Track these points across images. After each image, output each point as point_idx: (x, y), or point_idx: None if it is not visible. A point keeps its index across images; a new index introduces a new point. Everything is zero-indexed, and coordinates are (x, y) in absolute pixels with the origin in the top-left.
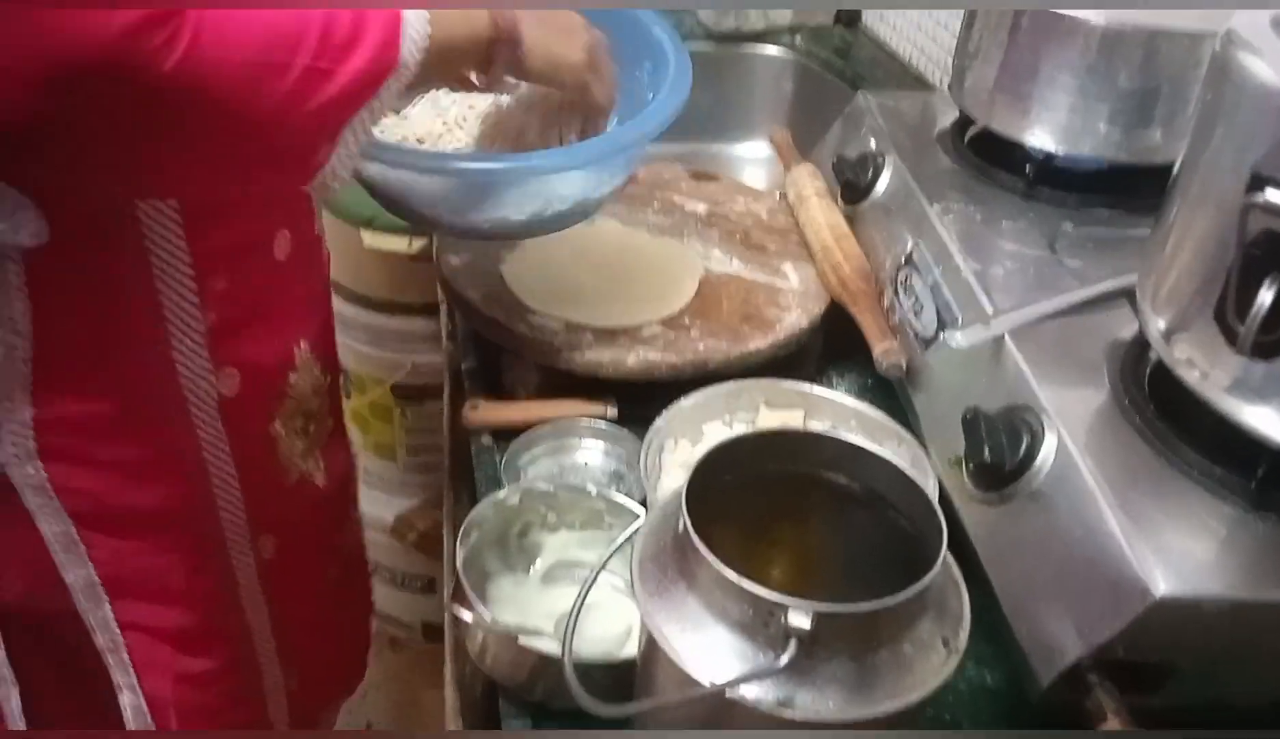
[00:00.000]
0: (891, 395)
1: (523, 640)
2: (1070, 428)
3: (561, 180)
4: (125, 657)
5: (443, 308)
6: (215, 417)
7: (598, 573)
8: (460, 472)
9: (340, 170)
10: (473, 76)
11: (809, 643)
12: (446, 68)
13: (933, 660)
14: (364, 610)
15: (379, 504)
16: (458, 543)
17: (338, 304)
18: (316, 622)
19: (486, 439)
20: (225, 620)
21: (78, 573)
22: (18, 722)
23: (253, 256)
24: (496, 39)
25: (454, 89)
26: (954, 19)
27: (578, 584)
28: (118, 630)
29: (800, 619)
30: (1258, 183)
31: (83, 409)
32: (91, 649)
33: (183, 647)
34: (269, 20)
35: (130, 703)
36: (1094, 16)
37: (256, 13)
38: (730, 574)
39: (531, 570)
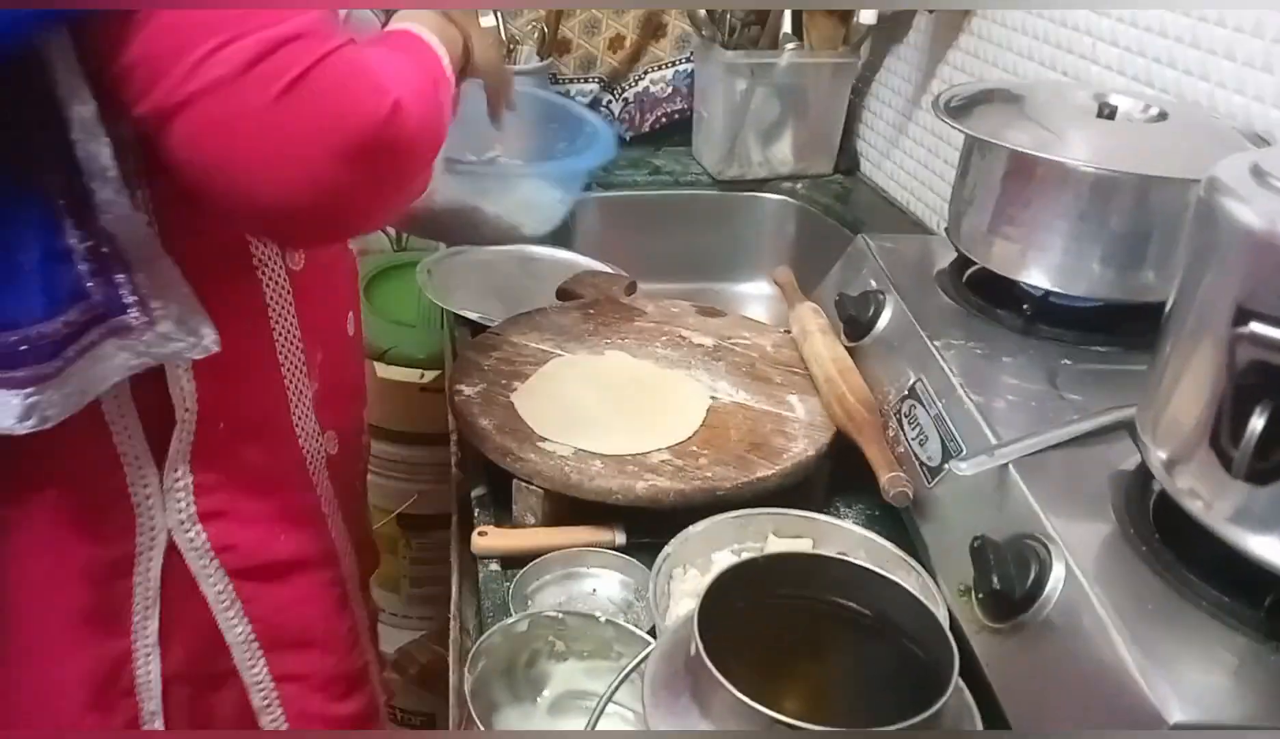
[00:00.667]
0: (899, 525)
1: (538, 733)
2: (1078, 556)
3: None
4: (279, 710)
5: (453, 437)
6: (325, 474)
7: (607, 700)
8: (466, 601)
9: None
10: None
11: None
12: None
13: None
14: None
15: (381, 638)
16: (465, 670)
17: None
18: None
19: (494, 566)
20: (360, 664)
21: (236, 631)
22: None
23: (338, 333)
24: (468, 48)
25: None
26: (948, 167)
27: (585, 715)
28: (271, 685)
29: None
30: (1243, 317)
31: (231, 475)
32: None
33: (331, 694)
34: (415, 66)
35: None
36: (1083, 165)
37: (402, 62)
38: (743, 698)
39: (539, 701)
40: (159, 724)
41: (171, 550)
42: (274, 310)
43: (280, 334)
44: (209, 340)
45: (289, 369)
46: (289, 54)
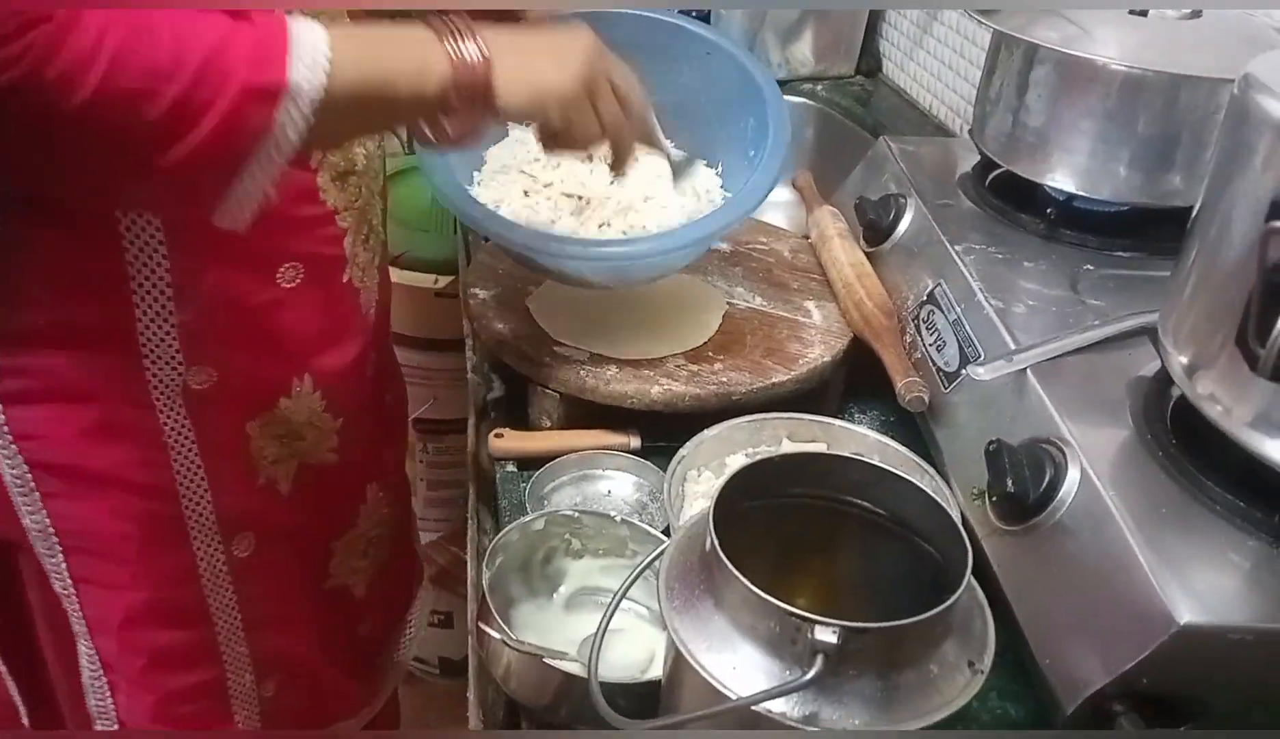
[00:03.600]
0: (914, 431)
1: (547, 661)
2: (1093, 460)
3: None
4: (78, 608)
5: (469, 341)
6: (179, 403)
7: (621, 595)
8: (483, 501)
9: (245, 208)
10: (445, 125)
11: (835, 660)
12: (389, 110)
13: (958, 681)
14: (375, 633)
15: None
16: (483, 565)
17: None
18: (304, 636)
19: (511, 468)
20: (180, 605)
21: (33, 518)
22: None
23: (244, 274)
24: (455, 82)
25: (425, 142)
26: (973, 68)
27: (600, 611)
28: (70, 582)
29: (827, 635)
30: (1277, 210)
31: (43, 361)
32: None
33: (130, 617)
34: (149, 44)
35: (85, 652)
36: (1114, 62)
37: (140, 34)
38: (757, 591)
39: (555, 596)
40: None
41: None
42: (129, 229)
43: (135, 244)
44: None
45: (142, 288)
46: None
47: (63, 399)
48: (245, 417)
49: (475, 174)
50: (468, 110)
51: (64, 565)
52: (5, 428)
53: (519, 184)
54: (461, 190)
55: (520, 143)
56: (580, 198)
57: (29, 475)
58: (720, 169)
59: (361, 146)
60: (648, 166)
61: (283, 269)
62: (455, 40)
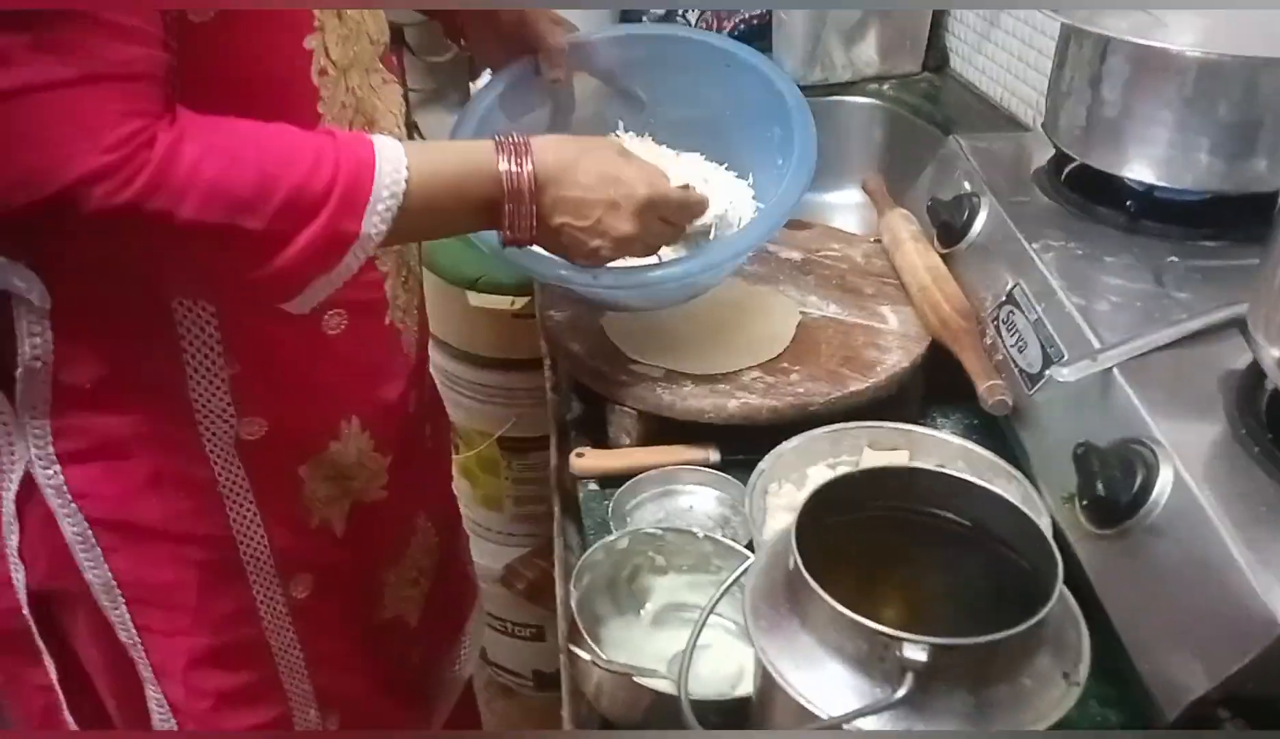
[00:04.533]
0: (998, 435)
1: (637, 679)
2: (1186, 459)
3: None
4: (144, 655)
5: (546, 361)
6: (232, 454)
7: (709, 612)
8: (568, 519)
9: (309, 305)
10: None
11: (925, 677)
12: (450, 230)
13: (1052, 694)
14: (430, 657)
15: (487, 554)
16: (571, 585)
17: (445, 361)
18: (363, 669)
19: (593, 486)
20: (242, 647)
21: (96, 573)
22: (55, 690)
23: (290, 325)
24: (498, 199)
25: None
26: (1044, 58)
27: (687, 626)
28: (135, 631)
29: (916, 652)
30: None
31: (97, 421)
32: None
33: (194, 661)
34: (238, 178)
35: (154, 697)
36: (1190, 50)
37: (231, 167)
38: (844, 610)
39: (641, 613)
40: (31, 626)
41: (31, 479)
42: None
43: (184, 305)
44: (38, 293)
45: (192, 346)
46: None
47: (118, 456)
48: (297, 461)
49: None
50: (525, 220)
51: (128, 616)
52: (65, 487)
53: None
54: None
55: None
56: None
57: (89, 532)
58: (751, 180)
59: None
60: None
61: (328, 317)
62: (510, 159)
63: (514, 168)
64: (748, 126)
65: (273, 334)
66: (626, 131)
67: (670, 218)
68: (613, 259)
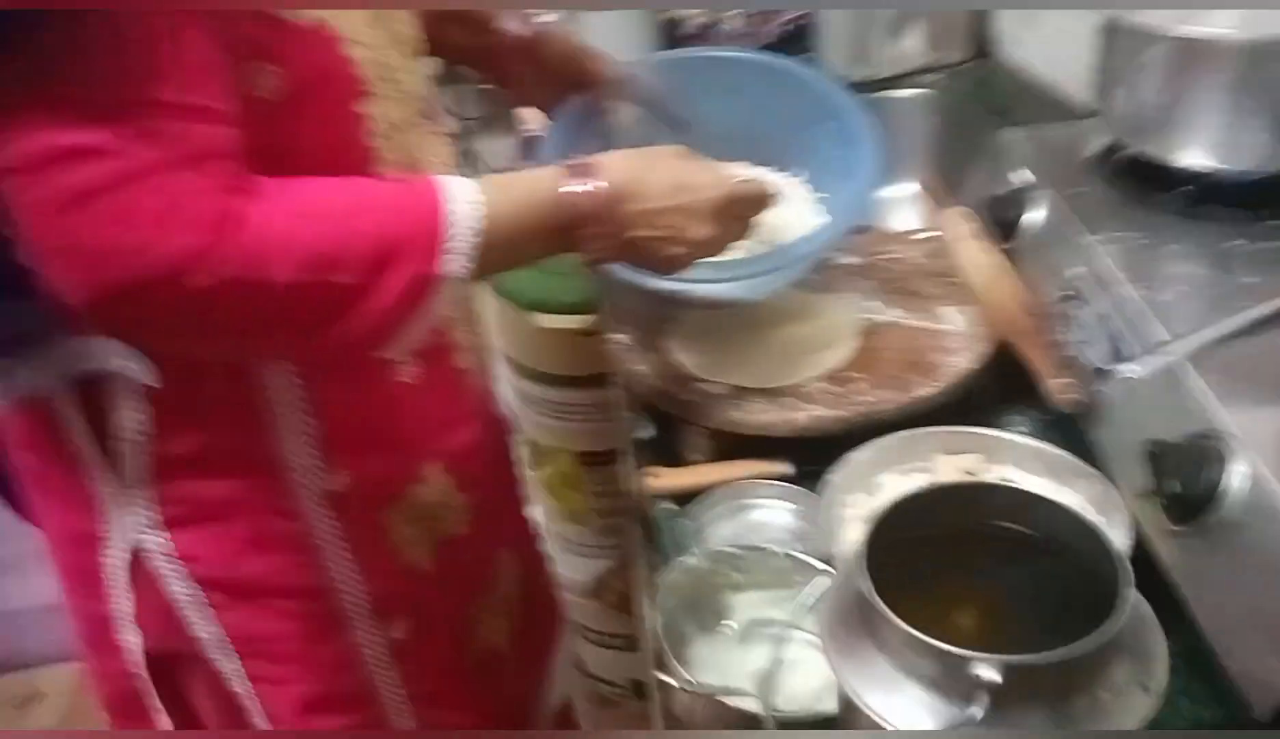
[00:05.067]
0: (1072, 433)
1: (724, 699)
2: (1262, 451)
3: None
4: (259, 706)
5: (618, 379)
6: (323, 507)
7: (789, 632)
8: (647, 539)
9: (401, 349)
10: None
11: (1001, 695)
12: (528, 258)
13: (1131, 705)
14: (523, 687)
15: (577, 568)
16: (653, 607)
17: (519, 381)
18: (463, 703)
19: (669, 505)
20: (349, 691)
21: (208, 630)
22: None
23: (368, 376)
24: (571, 225)
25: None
26: (1093, 37)
27: (773, 642)
28: (250, 683)
29: (989, 672)
30: None
31: (198, 487)
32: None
33: (306, 707)
34: (324, 236)
35: None
36: (1234, 34)
37: (316, 225)
38: (914, 632)
39: (727, 630)
40: (150, 686)
41: (139, 546)
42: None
43: (272, 376)
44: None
45: (281, 407)
46: (77, 168)
47: (219, 518)
48: (383, 507)
49: None
50: (603, 241)
51: (242, 669)
52: (174, 552)
53: None
54: None
55: None
56: None
57: (200, 592)
58: (807, 177)
59: None
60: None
61: (401, 366)
62: (580, 181)
63: (585, 188)
64: (796, 133)
65: (351, 388)
66: None
67: (744, 214)
68: (691, 263)
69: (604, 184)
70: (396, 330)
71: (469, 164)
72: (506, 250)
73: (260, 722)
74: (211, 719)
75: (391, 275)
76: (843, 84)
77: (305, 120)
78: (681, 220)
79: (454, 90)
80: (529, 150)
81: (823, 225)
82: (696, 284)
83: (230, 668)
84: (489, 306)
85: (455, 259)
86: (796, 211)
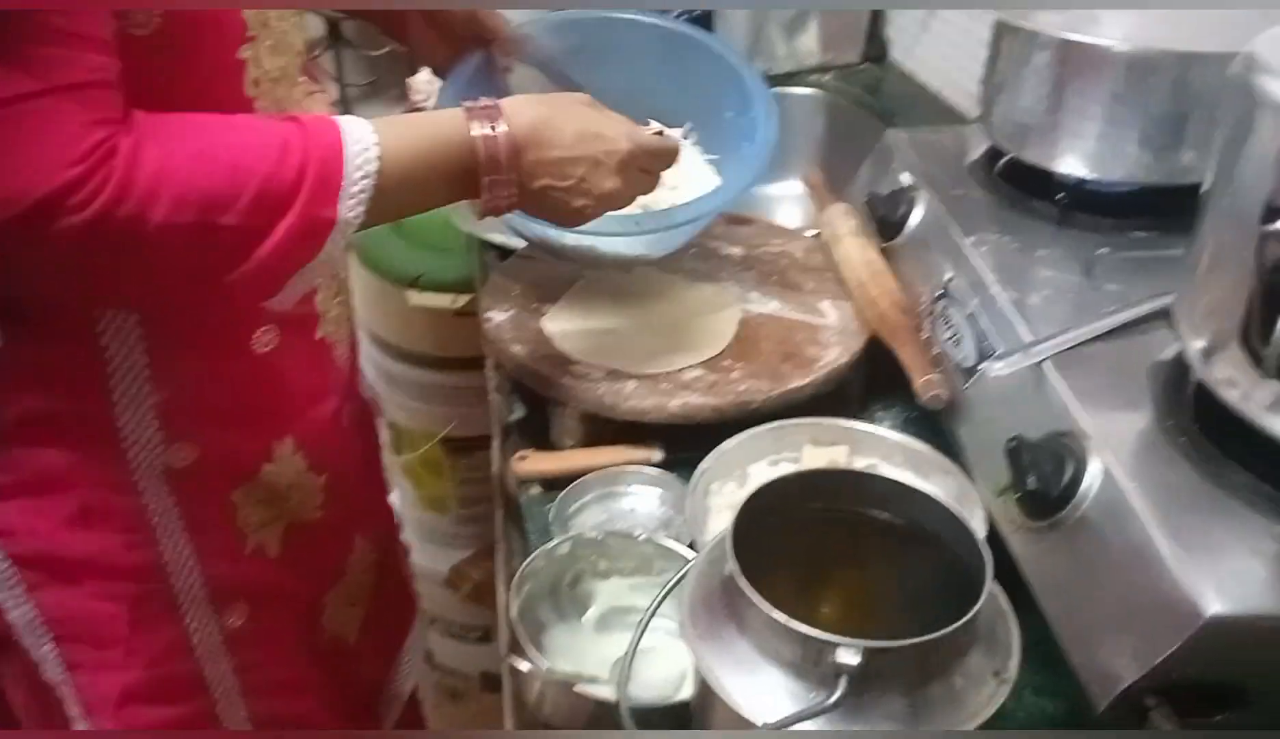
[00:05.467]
0: (936, 428)
1: (579, 688)
2: (1115, 452)
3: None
4: (73, 692)
5: (488, 362)
6: (161, 484)
7: (649, 618)
8: (511, 523)
9: (292, 298)
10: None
11: (860, 680)
12: (427, 203)
13: (984, 692)
14: (371, 676)
15: (433, 556)
16: (511, 594)
17: (386, 361)
18: (303, 693)
19: (536, 489)
20: (176, 680)
21: (19, 611)
22: None
23: (220, 343)
24: (474, 170)
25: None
26: (981, 47)
27: (631, 630)
28: (63, 669)
29: (850, 656)
30: (1271, 214)
31: (20, 455)
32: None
33: (127, 696)
34: (206, 175)
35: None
36: (1119, 44)
37: (197, 164)
38: (778, 615)
39: (585, 618)
40: None
41: None
42: (106, 319)
43: (110, 338)
44: None
45: (118, 374)
46: None
47: (41, 491)
48: (230, 487)
49: None
50: (505, 188)
51: (55, 653)
52: None
53: None
54: None
55: None
56: None
57: (12, 569)
58: (697, 139)
59: None
60: None
61: (258, 333)
62: (483, 124)
63: (488, 132)
64: (692, 95)
65: (200, 356)
66: None
67: (650, 167)
68: (597, 215)
69: (507, 129)
70: (283, 278)
71: None
72: (405, 194)
73: (73, 710)
74: (28, 712)
75: (283, 219)
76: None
77: (184, 61)
78: (587, 171)
79: (340, 54)
80: None
81: (719, 186)
82: (594, 237)
83: (42, 652)
84: (357, 280)
85: (351, 203)
86: (688, 172)
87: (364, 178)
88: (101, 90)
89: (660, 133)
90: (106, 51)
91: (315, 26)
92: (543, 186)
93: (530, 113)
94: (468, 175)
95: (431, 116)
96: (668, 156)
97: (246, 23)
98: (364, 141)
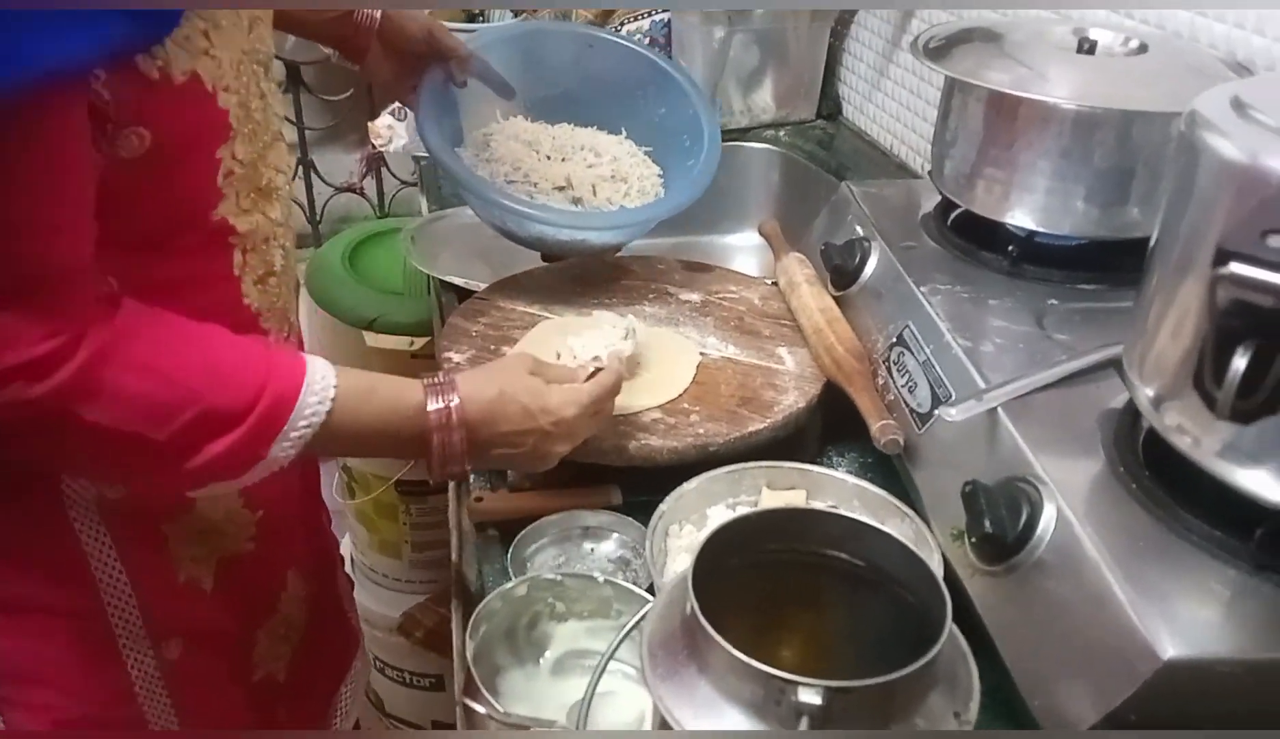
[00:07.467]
0: (892, 473)
1: (535, 732)
2: (1068, 497)
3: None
4: (5, 728)
5: None
6: (94, 516)
7: (607, 660)
8: (466, 567)
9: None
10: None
11: (821, 720)
12: (366, 451)
13: (946, 734)
14: (300, 716)
15: (385, 602)
16: (467, 636)
17: None
18: (235, 727)
19: (492, 532)
20: (114, 715)
21: None
22: None
23: None
24: (425, 440)
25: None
26: (930, 107)
27: (588, 674)
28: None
29: (811, 696)
30: (1223, 257)
31: None
32: None
33: (62, 729)
34: (150, 394)
35: None
36: (1065, 102)
37: (149, 381)
38: (739, 655)
39: (541, 662)
40: None
41: None
42: None
43: None
44: None
45: None
46: None
47: None
48: (162, 519)
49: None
50: (456, 463)
51: None
52: None
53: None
54: (449, 151)
55: (512, 138)
56: (563, 188)
57: None
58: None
59: (279, 246)
60: (613, 154)
61: None
62: (437, 400)
63: (440, 407)
64: (646, 111)
65: None
66: (504, 118)
67: (600, 409)
68: (553, 464)
69: (459, 404)
70: (197, 488)
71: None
72: (348, 446)
73: None
74: None
75: (214, 443)
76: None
77: (160, 172)
78: (537, 441)
79: (299, 98)
80: (371, 166)
81: (675, 192)
82: (549, 228)
83: None
84: (312, 319)
85: (285, 445)
86: (639, 183)
87: (307, 427)
88: (62, 288)
89: (600, 368)
90: (81, 235)
91: (275, 71)
92: (498, 454)
93: (484, 394)
94: (417, 442)
95: (393, 384)
96: (612, 392)
97: (230, 123)
98: (322, 394)
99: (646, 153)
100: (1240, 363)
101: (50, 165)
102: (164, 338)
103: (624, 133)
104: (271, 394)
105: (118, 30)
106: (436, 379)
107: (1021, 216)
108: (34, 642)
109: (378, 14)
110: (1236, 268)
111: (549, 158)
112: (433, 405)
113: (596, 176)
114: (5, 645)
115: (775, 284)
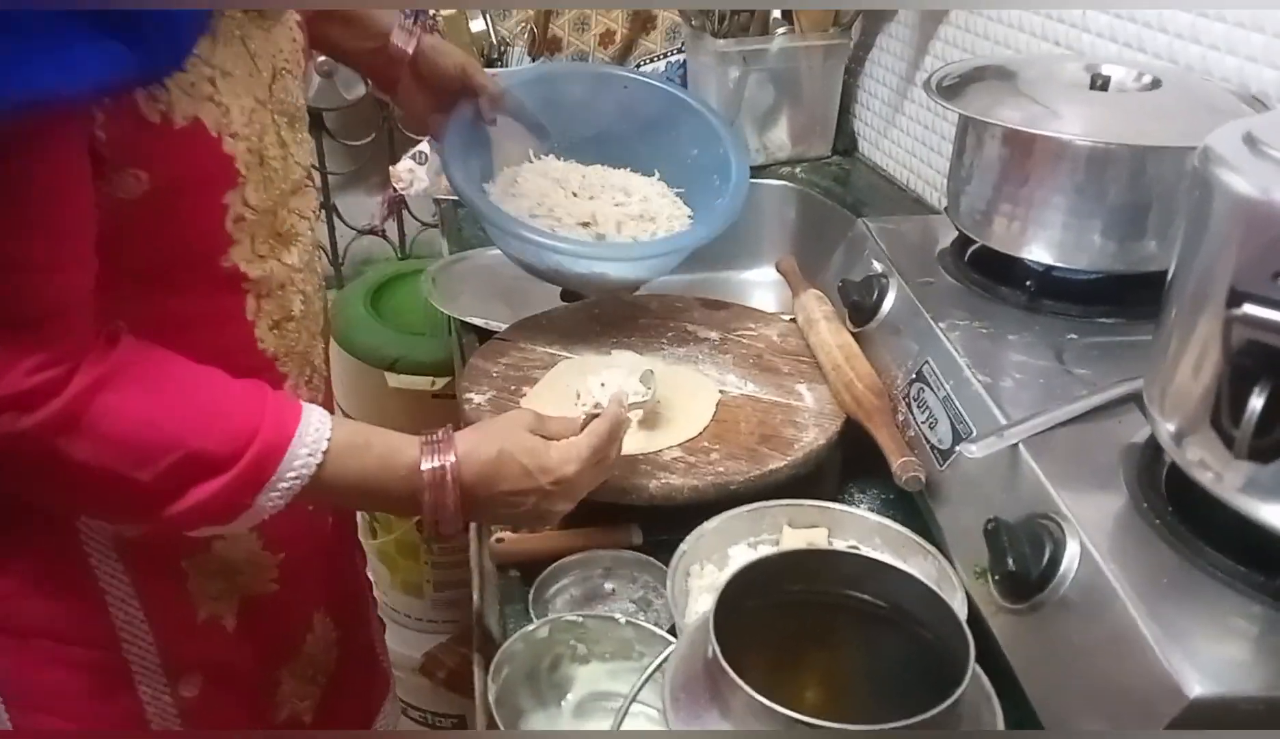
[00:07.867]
0: (914, 510)
1: (536, 732)
2: (1091, 534)
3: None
4: None
5: None
6: (111, 553)
7: (629, 703)
8: (488, 606)
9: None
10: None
11: None
12: (358, 504)
13: None
14: None
15: (407, 642)
16: (489, 679)
17: None
18: None
19: (514, 573)
20: None
21: None
22: None
23: None
24: (419, 499)
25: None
26: (944, 142)
27: (610, 716)
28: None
29: None
30: (1236, 298)
31: None
32: None
33: None
34: (139, 434)
35: None
36: (1079, 138)
37: (139, 420)
38: (762, 699)
39: (564, 704)
40: None
41: None
42: None
43: None
44: None
45: None
46: None
47: None
48: (180, 556)
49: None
50: (449, 524)
51: (5, 718)
52: None
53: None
54: (472, 183)
55: (540, 175)
56: (587, 224)
57: None
58: (682, 191)
59: (298, 292)
60: (643, 194)
61: None
62: (433, 459)
63: (436, 466)
64: (676, 149)
65: None
66: (537, 157)
67: (604, 458)
68: (556, 521)
69: (455, 463)
70: (185, 530)
71: (327, 218)
72: (344, 500)
73: None
74: None
75: (199, 488)
76: (744, 154)
77: (162, 214)
78: (541, 500)
79: (321, 143)
80: (393, 208)
81: (694, 228)
82: (577, 259)
83: None
84: (334, 360)
85: (273, 496)
86: (668, 223)
87: (295, 478)
88: (57, 322)
89: (595, 414)
90: (79, 267)
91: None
92: (497, 513)
93: (482, 453)
94: (409, 500)
95: (389, 440)
96: (612, 437)
97: (238, 169)
98: (314, 446)
99: (678, 194)
100: (1257, 403)
101: (47, 199)
102: (157, 378)
103: (657, 174)
104: (261, 443)
105: (118, 63)
106: (436, 437)
107: (1039, 251)
108: (45, 669)
109: (408, 47)
110: (1250, 309)
111: (575, 195)
112: (427, 464)
113: (624, 215)
114: (16, 671)
115: (793, 320)
